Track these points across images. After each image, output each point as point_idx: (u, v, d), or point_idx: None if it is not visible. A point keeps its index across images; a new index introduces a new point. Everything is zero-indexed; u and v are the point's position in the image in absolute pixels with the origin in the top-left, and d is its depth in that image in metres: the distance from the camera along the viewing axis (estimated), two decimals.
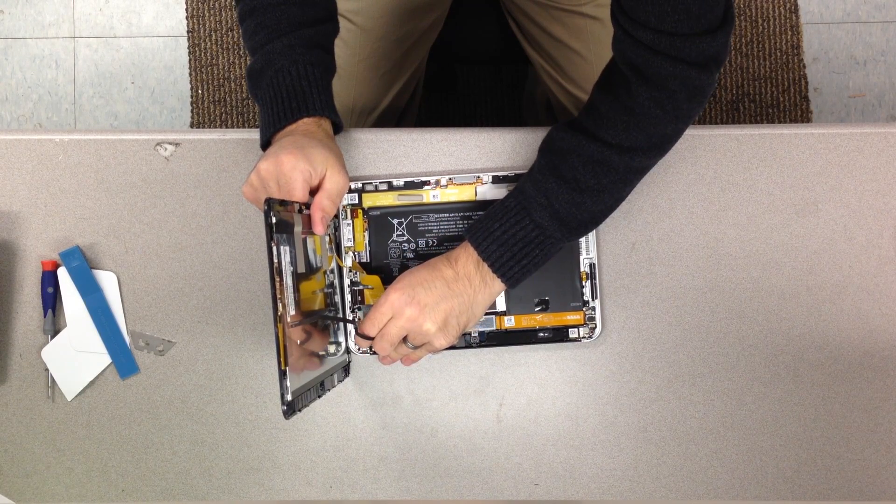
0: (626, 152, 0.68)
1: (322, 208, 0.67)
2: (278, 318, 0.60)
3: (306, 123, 0.70)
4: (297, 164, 0.64)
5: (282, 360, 0.60)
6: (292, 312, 0.63)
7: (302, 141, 0.67)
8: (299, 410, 0.63)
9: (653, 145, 0.69)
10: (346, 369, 0.78)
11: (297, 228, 0.66)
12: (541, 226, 0.69)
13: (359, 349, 0.78)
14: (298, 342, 0.65)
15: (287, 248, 0.63)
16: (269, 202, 0.60)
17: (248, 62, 0.73)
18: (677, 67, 0.63)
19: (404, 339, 0.70)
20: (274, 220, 0.60)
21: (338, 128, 0.75)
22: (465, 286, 0.70)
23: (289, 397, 0.61)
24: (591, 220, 0.71)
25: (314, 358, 0.70)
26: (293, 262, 0.65)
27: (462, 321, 0.70)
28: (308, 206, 0.67)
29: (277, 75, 0.70)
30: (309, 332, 0.68)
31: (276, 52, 0.71)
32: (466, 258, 0.70)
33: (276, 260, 0.60)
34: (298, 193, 0.65)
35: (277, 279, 0.60)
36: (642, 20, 0.61)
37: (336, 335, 0.76)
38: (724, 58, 0.66)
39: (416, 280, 0.69)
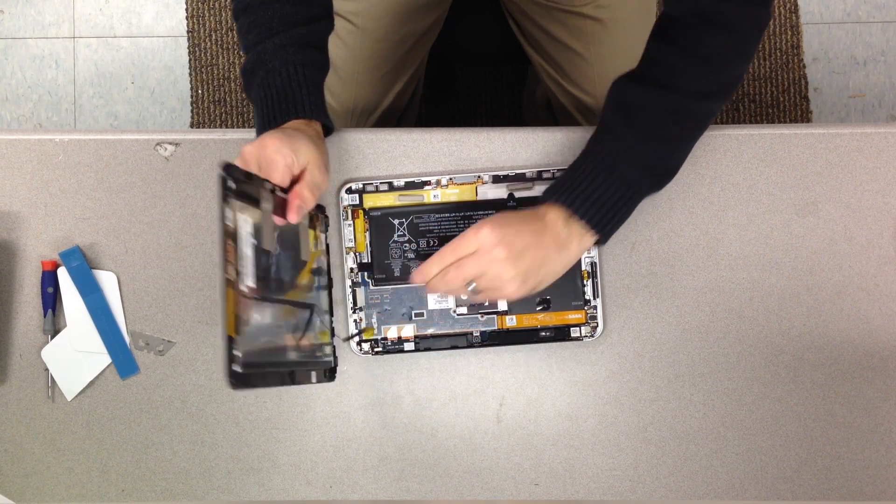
0: (705, 98, 0.69)
1: (300, 196, 0.66)
2: (228, 283, 0.57)
3: (296, 123, 0.70)
4: (280, 149, 0.64)
5: (230, 325, 0.57)
6: (251, 284, 0.61)
7: (290, 132, 0.66)
8: (253, 387, 0.59)
9: (726, 88, 0.70)
10: (329, 373, 0.76)
11: (266, 206, 0.64)
12: (631, 181, 0.69)
13: (359, 348, 0.78)
14: (258, 317, 0.62)
15: (248, 219, 0.61)
16: (228, 167, 0.58)
17: (242, 61, 0.73)
18: (746, 8, 0.67)
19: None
20: (233, 185, 0.58)
21: (328, 130, 0.74)
22: (552, 241, 0.68)
23: (237, 368, 0.57)
24: (675, 168, 0.72)
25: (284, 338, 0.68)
26: (256, 237, 0.62)
27: (541, 276, 0.67)
28: (285, 190, 0.66)
29: (268, 76, 0.70)
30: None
31: (268, 52, 0.70)
32: (555, 216, 0.68)
33: (228, 223, 0.58)
34: (278, 176, 0.64)
35: (229, 242, 0.58)
36: None
37: (318, 335, 0.75)
38: None
39: (507, 222, 0.66)
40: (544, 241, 0.67)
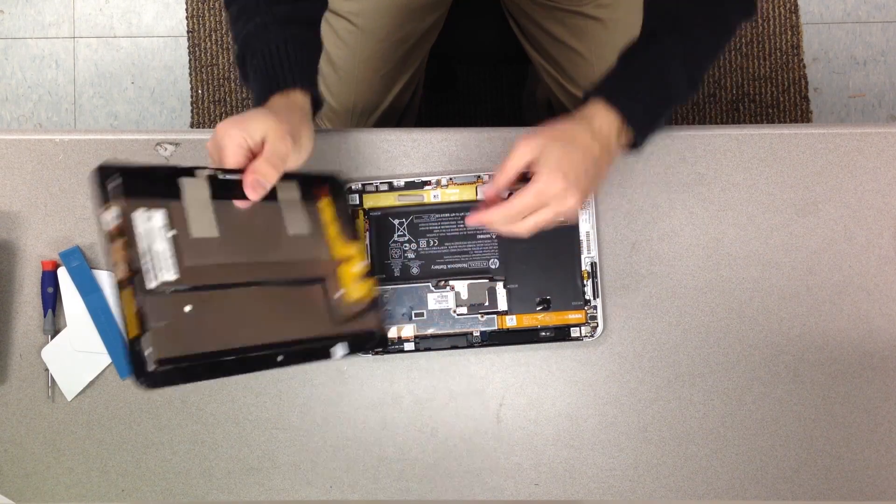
0: (740, 15, 0.75)
1: (255, 170, 0.62)
2: (120, 285, 0.56)
3: (274, 100, 0.68)
4: (228, 131, 0.62)
5: (130, 326, 0.55)
6: (171, 277, 0.59)
7: (247, 112, 0.64)
8: (180, 383, 0.58)
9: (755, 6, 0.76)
10: (380, 341, 0.73)
11: (196, 193, 0.62)
12: (676, 88, 0.71)
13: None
14: (191, 308, 0.60)
15: (157, 214, 0.59)
16: (102, 169, 0.55)
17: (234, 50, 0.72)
18: None
19: None
20: (116, 183, 0.56)
21: (317, 103, 0.72)
22: (606, 158, 0.69)
23: (151, 366, 0.55)
24: (700, 82, 0.75)
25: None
26: (174, 227, 0.60)
27: (594, 188, 0.69)
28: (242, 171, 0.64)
29: (254, 58, 0.70)
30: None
31: (252, 35, 0.70)
32: (609, 126, 0.69)
33: (112, 225, 0.56)
34: (230, 159, 0.62)
35: (115, 243, 0.56)
36: None
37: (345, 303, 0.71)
38: None
39: (571, 161, 0.66)
40: (600, 161, 0.68)
